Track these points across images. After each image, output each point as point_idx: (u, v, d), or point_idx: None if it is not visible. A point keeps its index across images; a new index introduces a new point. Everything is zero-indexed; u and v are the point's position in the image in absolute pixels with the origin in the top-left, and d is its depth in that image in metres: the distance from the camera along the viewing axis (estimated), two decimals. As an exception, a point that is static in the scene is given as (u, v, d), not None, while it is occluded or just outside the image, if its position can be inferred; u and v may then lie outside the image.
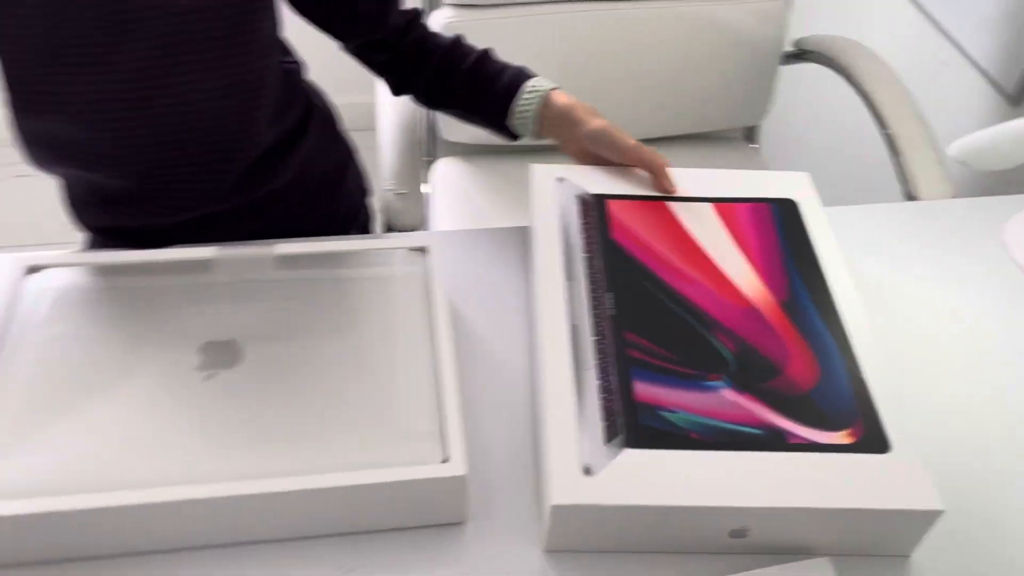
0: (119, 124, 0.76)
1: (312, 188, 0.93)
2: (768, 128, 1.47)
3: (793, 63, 1.37)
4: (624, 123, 1.37)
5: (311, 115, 0.92)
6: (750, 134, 1.46)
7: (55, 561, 0.60)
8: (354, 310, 0.71)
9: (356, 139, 1.03)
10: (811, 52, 1.31)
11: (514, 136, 0.89)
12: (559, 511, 0.58)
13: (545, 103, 0.85)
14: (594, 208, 0.80)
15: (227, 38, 0.75)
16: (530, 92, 0.85)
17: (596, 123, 0.84)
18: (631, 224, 0.78)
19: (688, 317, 0.71)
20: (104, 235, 0.90)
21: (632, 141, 0.83)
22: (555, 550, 0.61)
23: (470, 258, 0.83)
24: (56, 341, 0.67)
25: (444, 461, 0.60)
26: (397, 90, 0.93)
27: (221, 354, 0.66)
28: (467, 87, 0.88)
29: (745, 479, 0.60)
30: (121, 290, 0.71)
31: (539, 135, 0.87)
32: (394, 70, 0.91)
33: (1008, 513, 0.65)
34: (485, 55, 0.89)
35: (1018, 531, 0.64)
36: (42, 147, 0.79)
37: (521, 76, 0.87)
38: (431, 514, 0.62)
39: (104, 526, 0.58)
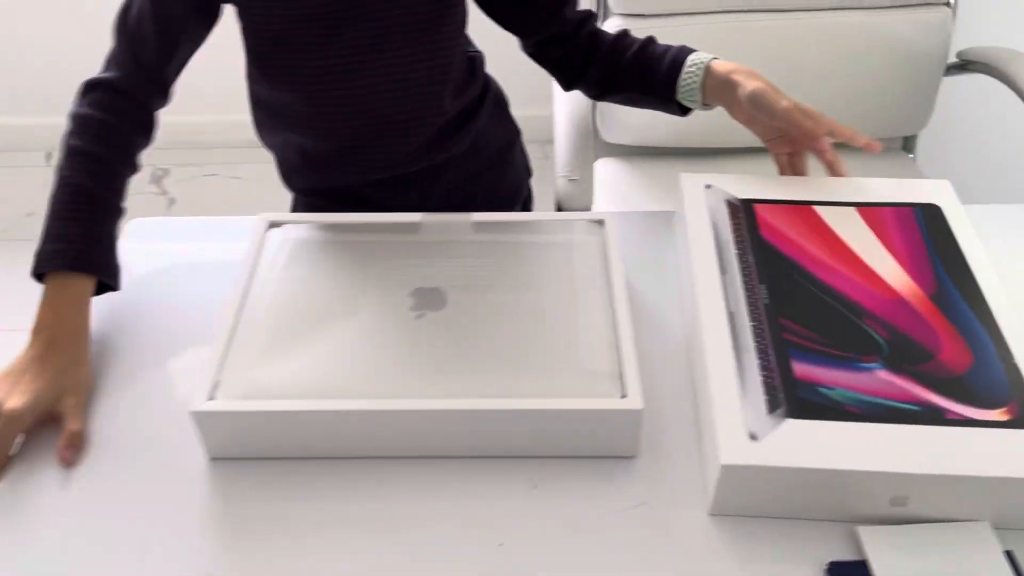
0: (335, 95, 0.92)
1: (484, 159, 1.06)
2: (925, 138, 1.49)
3: (955, 74, 1.38)
4: None
5: (486, 96, 1.05)
6: (907, 144, 1.47)
7: (292, 457, 0.71)
8: (541, 268, 0.81)
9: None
10: (975, 63, 1.33)
11: (684, 110, 0.95)
12: (728, 471, 0.64)
13: (708, 72, 0.90)
14: (742, 211, 0.85)
15: (430, 24, 0.90)
16: (692, 64, 0.91)
17: (752, 84, 0.86)
18: (778, 225, 0.84)
19: (839, 306, 0.75)
20: (310, 195, 1.06)
21: (786, 103, 0.85)
22: (719, 514, 0.67)
23: (626, 236, 0.89)
24: (294, 280, 0.80)
25: (622, 398, 0.68)
26: (569, 85, 1.02)
27: (429, 299, 0.77)
28: (635, 70, 0.95)
29: (905, 449, 0.64)
30: (344, 243, 0.84)
31: (706, 104, 0.92)
32: (567, 65, 0.99)
33: None
34: (649, 40, 0.96)
35: None
36: (270, 114, 0.98)
37: (683, 52, 0.92)
38: (607, 445, 0.70)
39: (331, 427, 0.69)
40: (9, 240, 2.11)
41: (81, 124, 0.86)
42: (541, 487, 0.69)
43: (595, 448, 0.71)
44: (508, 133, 1.10)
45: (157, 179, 2.30)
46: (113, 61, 0.89)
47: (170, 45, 0.90)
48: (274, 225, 0.85)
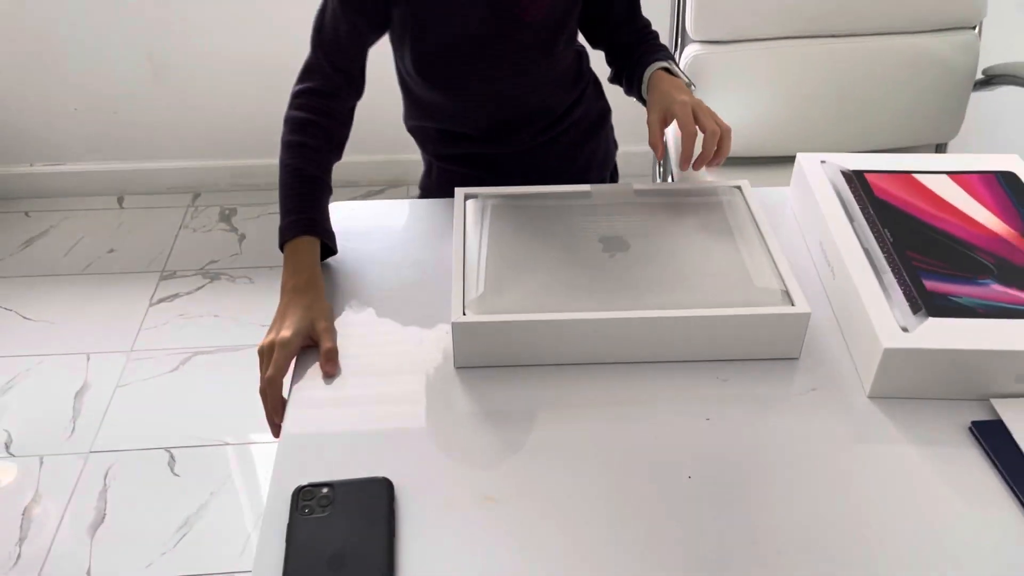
0: (478, 96, 1.15)
1: (584, 132, 1.26)
2: (955, 146, 1.70)
3: (982, 89, 1.60)
4: (836, 136, 1.64)
5: (589, 84, 1.26)
6: (939, 150, 1.69)
7: (524, 365, 0.88)
8: (702, 219, 1.00)
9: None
10: (1001, 76, 1.56)
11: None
12: (889, 353, 0.81)
13: (651, 77, 1.11)
14: (856, 179, 1.04)
15: (554, 39, 1.13)
16: (651, 66, 1.12)
17: (661, 88, 1.08)
18: (888, 187, 1.02)
19: (952, 243, 0.94)
20: (444, 160, 1.26)
21: (675, 111, 1.03)
22: (877, 396, 0.84)
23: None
24: (500, 234, 0.97)
25: (792, 306, 0.87)
26: (598, 46, 1.26)
27: (615, 243, 0.95)
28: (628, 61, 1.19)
29: (1024, 334, 0.81)
30: (531, 207, 1.03)
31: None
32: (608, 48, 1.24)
33: None
34: (648, 48, 1.17)
35: None
36: (420, 108, 1.20)
37: (657, 60, 1.13)
38: (778, 348, 0.88)
39: (558, 336, 0.86)
40: (94, 274, 2.27)
41: (295, 124, 1.05)
42: (730, 380, 0.86)
43: (768, 351, 0.88)
44: (602, 110, 1.30)
45: (226, 218, 2.47)
46: (312, 70, 1.08)
47: (357, 52, 1.09)
48: (470, 197, 1.03)
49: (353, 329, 0.94)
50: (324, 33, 1.08)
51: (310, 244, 0.98)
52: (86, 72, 2.36)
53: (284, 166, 1.03)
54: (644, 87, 1.13)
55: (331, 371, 0.89)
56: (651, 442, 0.81)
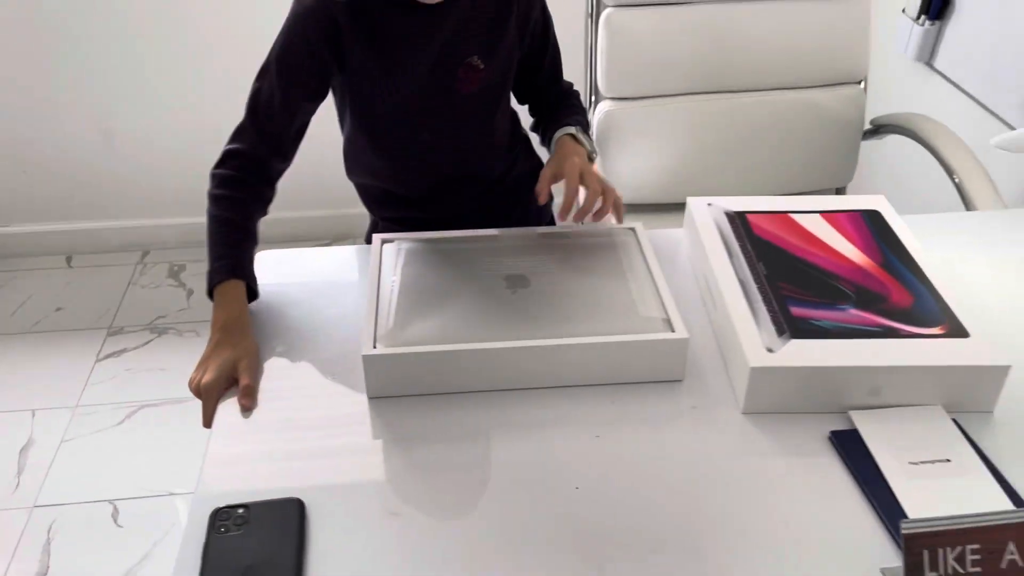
0: (419, 163, 1.24)
1: (518, 191, 1.35)
2: (852, 190, 1.84)
3: (871, 138, 1.74)
4: (741, 185, 1.77)
5: (521, 144, 1.36)
6: (839, 193, 1.81)
7: (431, 393, 0.96)
8: (596, 258, 1.09)
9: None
10: (886, 126, 1.70)
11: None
12: (756, 372, 0.90)
13: (558, 140, 1.22)
14: (737, 218, 1.15)
15: (490, 109, 1.22)
16: (561, 129, 1.23)
17: (562, 151, 1.19)
18: (766, 226, 1.13)
19: (818, 273, 1.04)
20: (386, 220, 1.34)
21: (564, 170, 1.14)
22: (750, 412, 0.93)
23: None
24: (412, 275, 1.06)
25: (672, 332, 0.96)
26: (524, 103, 1.36)
27: (518, 281, 1.04)
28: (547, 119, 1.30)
29: (876, 352, 0.91)
30: (443, 249, 1.11)
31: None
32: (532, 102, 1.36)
33: None
34: (566, 110, 1.28)
35: None
36: (363, 167, 1.28)
37: (569, 123, 1.24)
38: (662, 370, 0.97)
39: (459, 364, 0.94)
40: (42, 332, 2.30)
41: (221, 179, 1.13)
42: (618, 402, 0.95)
43: (654, 373, 0.97)
44: (534, 168, 1.39)
45: (175, 274, 2.53)
46: (243, 132, 1.15)
47: (289, 121, 1.17)
48: (387, 242, 1.12)
49: (277, 364, 1.01)
50: (259, 99, 1.15)
51: (236, 287, 1.06)
52: (36, 136, 2.43)
53: (211, 217, 1.11)
54: (551, 147, 1.23)
55: (247, 405, 0.96)
56: (543, 458, 0.89)
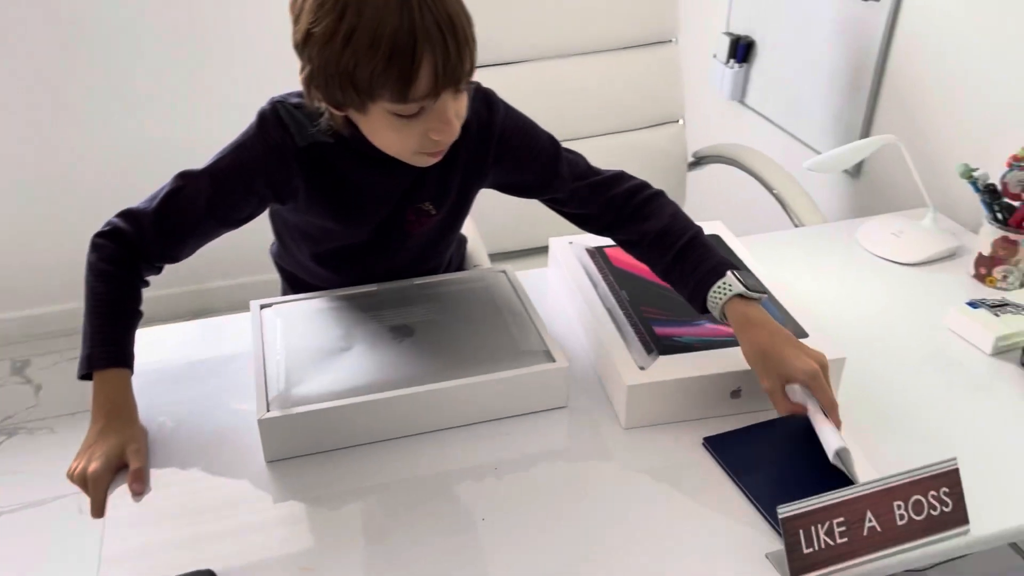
0: (366, 275, 1.19)
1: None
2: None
3: (694, 169, 1.91)
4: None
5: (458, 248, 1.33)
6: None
7: (328, 450, 0.97)
8: (472, 302, 1.15)
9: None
10: (707, 157, 1.87)
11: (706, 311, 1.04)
12: (632, 389, 0.98)
13: (730, 301, 1.00)
14: (598, 253, 1.24)
15: (438, 245, 1.20)
16: (718, 289, 1.00)
17: (758, 342, 0.96)
18: (622, 257, 1.22)
19: (672, 295, 1.13)
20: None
21: (777, 383, 0.95)
22: (631, 426, 1.00)
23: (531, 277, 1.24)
24: (296, 336, 1.08)
25: (552, 362, 1.02)
26: (600, 232, 1.16)
27: (402, 331, 1.08)
28: (673, 266, 1.07)
29: (732, 359, 1.01)
30: (325, 308, 1.14)
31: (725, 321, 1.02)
32: (585, 220, 1.15)
33: (888, 365, 1.11)
34: (694, 240, 1.07)
35: (899, 379, 1.09)
36: (298, 268, 1.22)
37: (717, 271, 1.02)
38: (546, 399, 1.03)
39: (354, 418, 0.97)
40: None
41: (108, 255, 1.02)
42: (510, 434, 1.01)
43: (540, 403, 1.03)
44: (460, 240, 1.38)
45: (18, 370, 2.39)
46: (139, 221, 1.03)
47: (192, 242, 1.05)
48: (265, 307, 1.13)
49: (167, 443, 1.00)
50: (174, 202, 1.03)
51: (119, 373, 1.01)
52: None
53: (92, 292, 1.02)
54: (717, 313, 1.01)
55: (139, 489, 0.94)
56: (448, 497, 0.93)
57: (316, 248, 1.17)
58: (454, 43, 0.88)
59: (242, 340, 1.15)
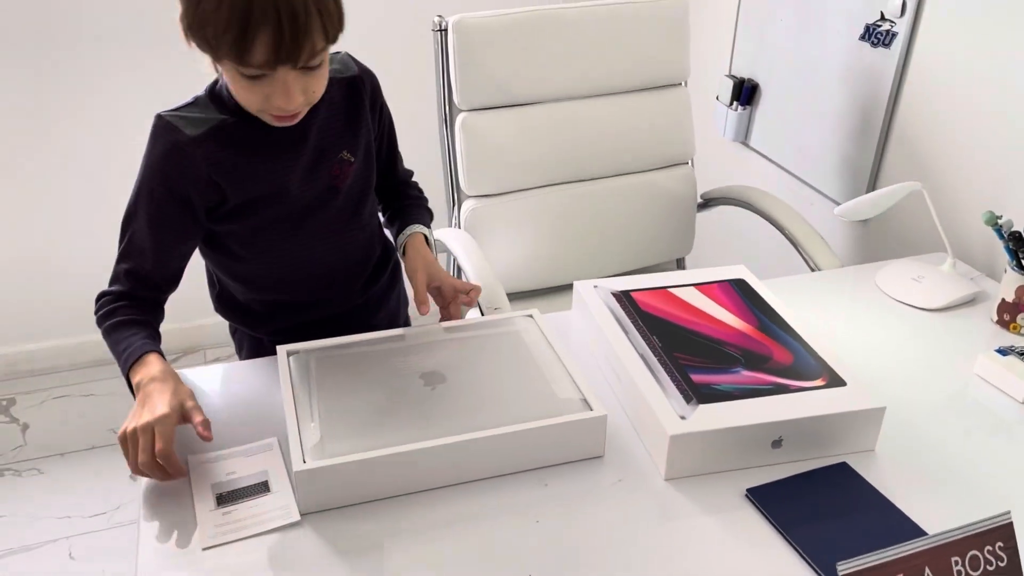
0: (306, 263, 1.21)
1: (387, 283, 1.36)
2: (691, 259, 2.01)
3: (704, 210, 1.91)
4: (598, 261, 1.88)
5: (386, 254, 1.36)
6: (680, 263, 1.98)
7: (366, 501, 0.94)
8: (502, 346, 1.13)
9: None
10: (716, 199, 1.87)
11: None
12: (674, 440, 0.96)
13: (407, 241, 1.27)
14: (624, 297, 1.23)
15: (360, 203, 1.23)
16: (406, 232, 1.27)
17: (424, 256, 1.24)
18: (650, 301, 1.22)
19: (706, 341, 1.13)
20: (277, 334, 1.27)
21: (420, 285, 1.21)
22: (671, 478, 0.98)
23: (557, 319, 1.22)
24: (328, 384, 1.05)
25: (591, 411, 1.01)
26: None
27: (434, 377, 1.06)
28: (395, 213, 1.34)
29: (773, 408, 1.00)
30: (353, 354, 1.12)
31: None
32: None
33: (922, 414, 1.10)
34: (411, 203, 1.33)
35: (935, 429, 1.08)
36: (246, 284, 1.23)
37: (409, 222, 1.29)
38: (584, 448, 1.01)
39: (391, 468, 0.94)
40: None
41: (112, 297, 1.10)
42: (549, 484, 0.98)
43: (578, 452, 1.01)
44: (396, 278, 1.41)
45: (4, 409, 2.32)
46: (118, 279, 1.11)
47: (167, 263, 1.13)
48: (292, 353, 1.10)
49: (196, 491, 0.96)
50: (132, 246, 1.11)
51: (154, 357, 1.04)
52: None
53: (109, 326, 1.08)
54: (397, 240, 1.28)
55: (209, 437, 0.98)
56: (491, 549, 0.90)
57: (254, 240, 1.17)
58: (291, 27, 0.94)
59: (266, 386, 1.12)
